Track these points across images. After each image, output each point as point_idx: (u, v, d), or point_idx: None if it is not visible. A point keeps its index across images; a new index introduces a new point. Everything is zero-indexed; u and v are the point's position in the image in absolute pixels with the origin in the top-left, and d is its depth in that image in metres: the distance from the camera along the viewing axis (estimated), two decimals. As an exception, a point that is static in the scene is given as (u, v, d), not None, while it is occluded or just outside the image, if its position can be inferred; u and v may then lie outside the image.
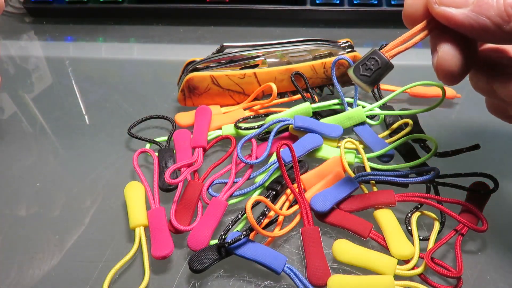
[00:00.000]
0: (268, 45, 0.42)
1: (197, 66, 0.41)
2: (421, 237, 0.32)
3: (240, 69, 0.41)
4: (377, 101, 0.41)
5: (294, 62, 0.41)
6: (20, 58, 0.54)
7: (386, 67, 0.28)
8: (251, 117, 0.41)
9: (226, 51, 0.42)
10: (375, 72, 0.28)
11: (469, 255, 0.32)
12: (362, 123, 0.39)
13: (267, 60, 0.41)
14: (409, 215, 0.33)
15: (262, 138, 0.39)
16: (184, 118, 0.41)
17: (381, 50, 0.27)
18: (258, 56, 0.41)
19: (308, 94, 0.41)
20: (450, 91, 0.43)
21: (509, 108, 0.29)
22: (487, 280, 0.31)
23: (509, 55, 0.28)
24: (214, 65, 0.41)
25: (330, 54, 0.42)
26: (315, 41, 0.43)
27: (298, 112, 0.39)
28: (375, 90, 0.43)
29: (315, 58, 0.42)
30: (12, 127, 0.44)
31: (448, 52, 0.25)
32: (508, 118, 0.31)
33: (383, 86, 0.44)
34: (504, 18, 0.23)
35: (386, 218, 0.32)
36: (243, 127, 0.38)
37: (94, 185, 0.37)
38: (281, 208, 0.33)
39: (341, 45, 0.43)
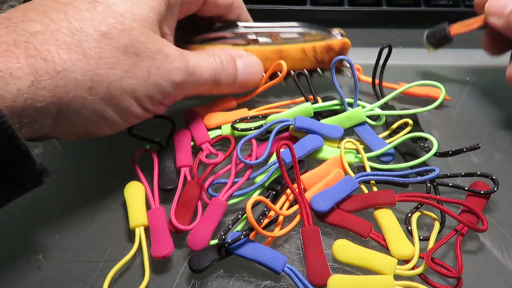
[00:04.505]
0: (261, 27, 0.42)
1: (192, 39, 0.41)
2: (421, 237, 0.32)
3: (232, 45, 0.41)
4: (378, 100, 0.41)
5: (285, 43, 0.42)
6: (20, 58, 0.54)
7: (446, 39, 0.43)
8: (249, 117, 0.40)
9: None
10: (439, 39, 0.43)
11: (469, 255, 0.32)
12: (362, 123, 0.39)
13: (259, 39, 0.42)
14: (409, 215, 0.33)
15: (262, 138, 0.39)
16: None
17: (449, 26, 0.42)
18: (250, 34, 0.41)
19: (311, 96, 0.41)
20: (435, 92, 0.43)
21: None
22: (487, 280, 0.31)
23: None
24: (207, 39, 0.41)
25: (321, 38, 0.43)
26: (307, 25, 0.43)
27: (298, 112, 0.38)
28: (377, 88, 0.43)
29: (306, 41, 0.42)
30: (12, 127, 0.44)
31: None
32: None
33: (385, 83, 0.44)
34: None
35: (386, 218, 0.32)
36: (239, 128, 0.38)
37: (94, 185, 0.37)
38: (281, 208, 0.33)
39: (333, 33, 0.43)
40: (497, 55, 0.42)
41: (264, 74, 0.41)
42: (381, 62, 0.42)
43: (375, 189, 0.34)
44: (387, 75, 0.43)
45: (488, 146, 0.39)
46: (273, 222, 0.33)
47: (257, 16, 0.56)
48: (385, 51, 0.41)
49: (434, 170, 0.33)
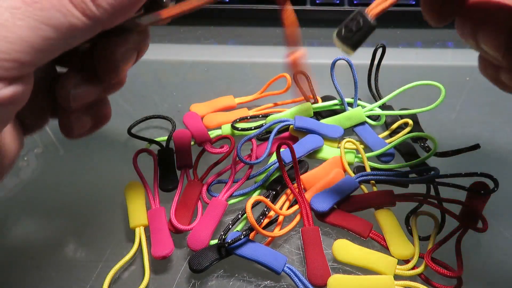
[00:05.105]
0: None
1: None
2: (421, 237, 0.32)
3: None
4: (376, 101, 0.41)
5: None
6: (20, 58, 0.54)
7: (368, 28, 0.26)
8: (249, 117, 0.40)
9: None
10: (357, 33, 0.26)
11: (469, 255, 0.32)
12: (362, 123, 0.39)
13: None
14: (409, 215, 0.33)
15: (262, 138, 0.39)
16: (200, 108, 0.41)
17: (365, 10, 0.25)
18: None
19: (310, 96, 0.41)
20: None
21: (501, 71, 0.25)
22: (487, 280, 0.31)
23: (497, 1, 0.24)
24: None
25: None
26: None
27: (298, 112, 0.39)
28: (374, 90, 0.43)
29: None
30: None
31: None
32: (499, 82, 0.27)
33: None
34: None
35: (386, 218, 0.32)
36: (239, 128, 0.38)
37: (94, 185, 0.37)
38: (281, 208, 0.33)
39: None
40: (441, 24, 0.26)
41: None
42: (375, 62, 0.42)
43: (375, 189, 0.34)
44: (387, 75, 0.43)
45: (488, 145, 0.39)
46: (273, 222, 0.33)
47: (257, 17, 0.56)
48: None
49: (434, 170, 0.33)
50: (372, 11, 0.25)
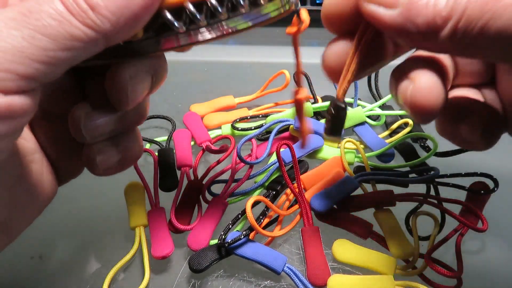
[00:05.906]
0: None
1: None
2: (421, 237, 0.32)
3: None
4: (376, 101, 0.41)
5: None
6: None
7: (337, 111, 0.24)
8: (249, 117, 0.40)
9: None
10: (332, 121, 0.25)
11: (469, 255, 0.32)
12: (362, 123, 0.39)
13: None
14: (409, 215, 0.33)
15: (262, 138, 0.39)
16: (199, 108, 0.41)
17: (332, 102, 0.24)
18: None
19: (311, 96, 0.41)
20: None
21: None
22: (487, 280, 0.31)
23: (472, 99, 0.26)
24: None
25: None
26: None
27: (298, 112, 0.39)
28: (374, 90, 0.43)
29: None
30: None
31: (428, 82, 0.22)
32: (459, 139, 0.28)
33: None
34: (432, 27, 0.19)
35: (386, 218, 0.32)
36: (239, 128, 0.38)
37: (94, 185, 0.37)
38: (281, 208, 0.33)
39: None
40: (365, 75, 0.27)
41: None
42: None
43: (375, 189, 0.34)
44: (387, 75, 0.43)
45: (488, 146, 0.39)
46: (273, 222, 0.33)
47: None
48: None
49: (434, 170, 0.33)
50: (340, 93, 0.24)
